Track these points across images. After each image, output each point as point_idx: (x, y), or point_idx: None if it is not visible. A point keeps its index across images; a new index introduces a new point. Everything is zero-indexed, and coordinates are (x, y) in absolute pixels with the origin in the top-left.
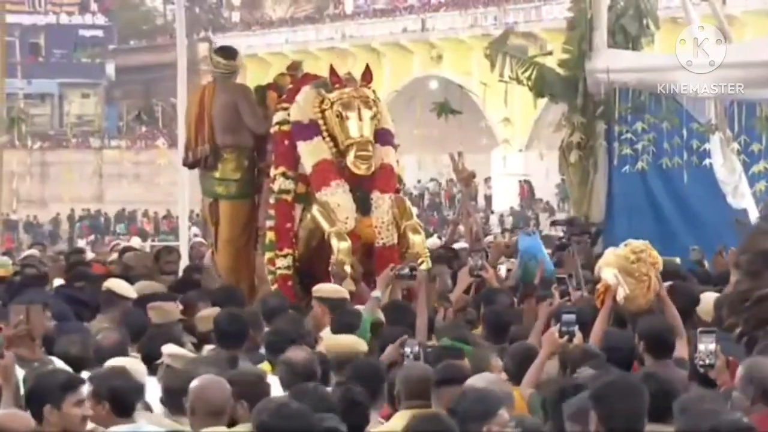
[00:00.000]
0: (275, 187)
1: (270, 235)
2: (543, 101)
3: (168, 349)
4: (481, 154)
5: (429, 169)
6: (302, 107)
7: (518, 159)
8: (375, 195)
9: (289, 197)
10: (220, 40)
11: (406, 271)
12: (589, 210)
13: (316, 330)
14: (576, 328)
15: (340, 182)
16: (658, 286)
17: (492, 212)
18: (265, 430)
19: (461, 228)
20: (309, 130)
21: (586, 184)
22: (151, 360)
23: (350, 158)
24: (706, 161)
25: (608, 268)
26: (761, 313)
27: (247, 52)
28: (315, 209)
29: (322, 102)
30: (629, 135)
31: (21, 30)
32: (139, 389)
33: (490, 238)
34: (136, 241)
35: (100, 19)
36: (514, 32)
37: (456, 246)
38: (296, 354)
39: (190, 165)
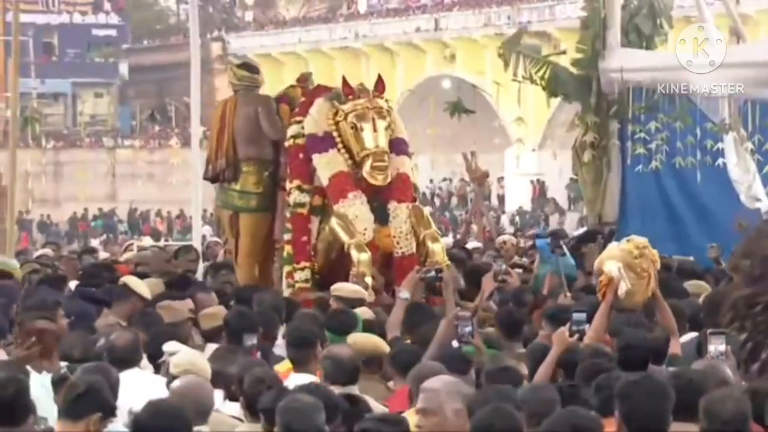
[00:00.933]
0: (291, 200)
1: (287, 249)
2: (556, 100)
3: (169, 347)
4: (494, 153)
5: (442, 168)
6: (316, 120)
7: (531, 158)
8: (392, 205)
9: (304, 210)
10: (234, 39)
11: (432, 273)
12: (603, 209)
13: None
14: (587, 326)
15: (357, 193)
16: (655, 285)
17: (504, 212)
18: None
19: (474, 227)
20: (324, 142)
21: (600, 183)
22: (155, 358)
23: (366, 169)
24: (720, 161)
25: (612, 261)
26: None
27: (260, 52)
28: (333, 221)
29: (336, 114)
30: (643, 134)
31: (34, 29)
32: None
33: (503, 237)
34: (147, 241)
35: (114, 19)
36: (527, 31)
37: (468, 245)
38: (342, 350)
39: (210, 179)
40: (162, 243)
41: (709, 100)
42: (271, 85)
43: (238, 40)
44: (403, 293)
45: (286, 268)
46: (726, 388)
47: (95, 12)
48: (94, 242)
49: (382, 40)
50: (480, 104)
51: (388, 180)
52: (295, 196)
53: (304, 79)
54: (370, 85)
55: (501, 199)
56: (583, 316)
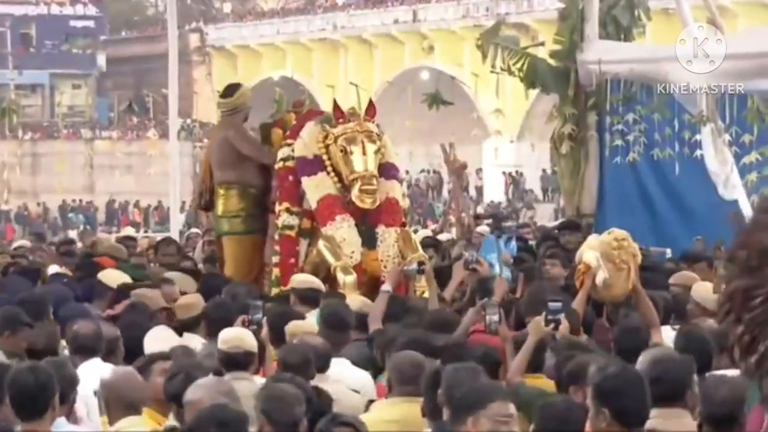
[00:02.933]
0: (279, 222)
1: (275, 272)
2: (534, 92)
3: (153, 335)
4: (472, 145)
5: (420, 160)
6: (306, 143)
7: (510, 150)
8: (380, 229)
9: (292, 233)
10: (212, 30)
11: (414, 266)
12: (581, 201)
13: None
14: (562, 315)
15: (345, 216)
16: (635, 278)
17: (482, 204)
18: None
19: (452, 218)
20: (313, 165)
21: (578, 175)
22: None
23: (355, 192)
24: (698, 152)
25: (591, 250)
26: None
27: (239, 43)
28: (321, 244)
29: (326, 137)
30: (621, 126)
31: (12, 20)
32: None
33: (480, 228)
34: (127, 231)
35: (91, 10)
36: (505, 23)
37: (444, 236)
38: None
39: (203, 208)
40: (141, 234)
41: (687, 91)
42: (249, 76)
43: (217, 31)
44: (385, 286)
45: (274, 290)
46: (722, 374)
47: (73, 3)
48: (72, 234)
49: (360, 32)
50: (458, 96)
51: (377, 204)
52: (284, 219)
53: (300, 104)
54: (352, 77)
55: (479, 190)
56: (558, 305)
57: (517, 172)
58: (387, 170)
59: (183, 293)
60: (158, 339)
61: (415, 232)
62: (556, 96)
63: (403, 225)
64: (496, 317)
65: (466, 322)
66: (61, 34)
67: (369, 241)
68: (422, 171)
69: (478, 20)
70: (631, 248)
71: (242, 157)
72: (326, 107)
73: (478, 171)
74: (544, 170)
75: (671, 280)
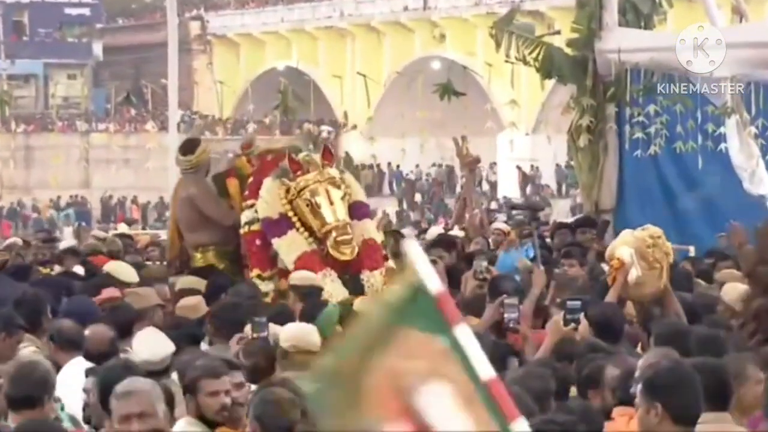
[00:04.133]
0: None
1: None
2: (551, 83)
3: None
4: (486, 137)
5: (432, 153)
6: (269, 201)
7: (525, 143)
8: (365, 275)
9: (269, 299)
10: (213, 18)
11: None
12: (599, 197)
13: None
14: (582, 315)
15: (326, 271)
16: (666, 278)
17: (496, 199)
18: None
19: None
20: (280, 225)
21: (596, 169)
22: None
23: (331, 244)
24: (722, 145)
25: (625, 246)
26: None
27: (241, 32)
28: None
29: (287, 192)
30: (641, 118)
31: (4, 7)
32: None
33: (496, 225)
34: (123, 228)
35: None
36: (520, 11)
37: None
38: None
39: (179, 272)
40: (139, 231)
41: (710, 82)
42: (252, 66)
43: (218, 18)
44: None
45: None
46: None
47: None
48: (66, 231)
49: (368, 20)
50: (471, 86)
51: (356, 252)
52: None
53: (248, 145)
54: (360, 67)
55: (493, 185)
56: (577, 304)
57: (532, 166)
58: (356, 210)
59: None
60: (145, 343)
61: (425, 230)
62: (573, 87)
63: (386, 259)
64: (514, 314)
65: (484, 321)
66: (56, 21)
67: (356, 289)
68: (433, 165)
69: (492, 8)
70: (665, 247)
71: (209, 218)
72: (333, 99)
73: (492, 165)
74: (557, 165)
75: (717, 277)
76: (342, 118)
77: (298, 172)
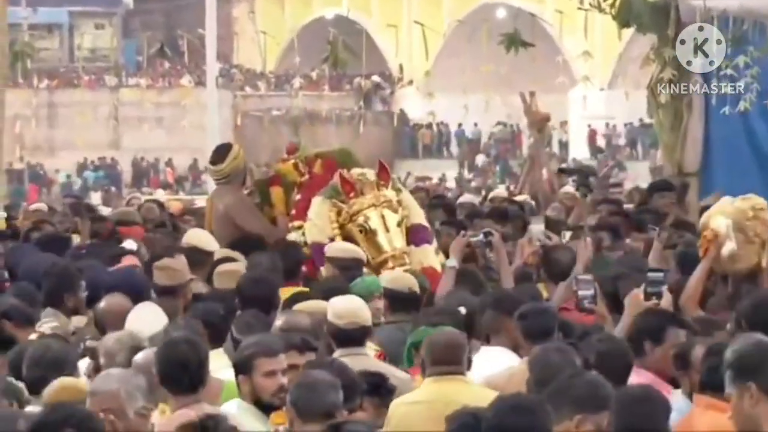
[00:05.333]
0: None
1: None
2: (629, 32)
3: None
4: (556, 93)
5: (497, 111)
6: (318, 225)
7: (600, 99)
8: None
9: None
10: None
11: (480, 237)
12: (683, 158)
13: None
14: (664, 288)
15: None
16: (766, 255)
17: (567, 161)
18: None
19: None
20: None
21: (679, 128)
22: None
23: None
24: None
25: (721, 216)
26: None
27: None
28: None
29: (338, 215)
30: (729, 71)
31: None
32: None
33: (566, 189)
34: (159, 195)
35: None
36: None
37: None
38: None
39: None
40: (174, 196)
41: None
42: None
43: None
44: (450, 261)
45: None
46: None
47: None
48: (94, 196)
49: None
50: (540, 37)
51: None
52: None
53: (293, 149)
54: (417, 16)
55: (564, 146)
56: (660, 275)
57: (607, 124)
58: (415, 235)
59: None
60: (141, 318)
61: (486, 198)
62: (653, 36)
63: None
64: (590, 292)
65: (556, 301)
66: None
67: None
68: (498, 123)
69: None
70: None
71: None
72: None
73: (563, 124)
74: (632, 123)
75: None
76: (397, 72)
77: (351, 194)
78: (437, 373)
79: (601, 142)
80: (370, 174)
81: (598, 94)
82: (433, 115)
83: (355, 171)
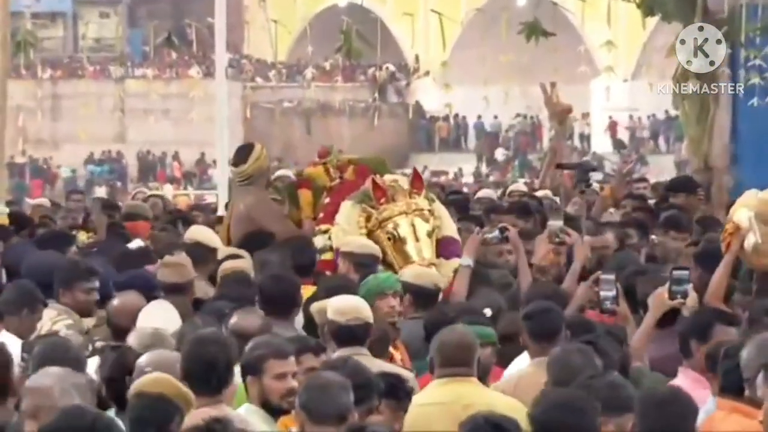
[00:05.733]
0: None
1: None
2: (653, 21)
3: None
4: (578, 84)
5: (516, 102)
6: (345, 230)
7: (623, 90)
8: None
9: None
10: None
11: (496, 233)
12: (710, 152)
13: None
14: (690, 286)
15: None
16: None
17: (590, 155)
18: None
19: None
20: None
21: (706, 120)
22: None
23: None
24: None
25: (744, 209)
26: None
27: None
28: None
29: (367, 220)
30: (758, 61)
31: None
32: None
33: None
34: (168, 190)
35: None
36: None
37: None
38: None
39: None
40: (182, 191)
41: None
42: (311, 3)
43: None
44: (465, 260)
45: None
46: None
47: None
48: (99, 191)
49: None
50: (562, 26)
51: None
52: None
53: (325, 153)
54: (434, 4)
55: (586, 139)
56: (685, 273)
57: (631, 116)
58: (445, 248)
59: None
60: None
61: (504, 193)
62: (679, 25)
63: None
64: (612, 293)
65: (576, 300)
66: None
67: None
68: (518, 115)
69: None
70: None
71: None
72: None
73: (585, 116)
74: (653, 116)
75: None
76: (413, 62)
77: (382, 200)
78: (448, 375)
79: (623, 134)
80: (404, 181)
81: (621, 85)
82: (450, 107)
83: (388, 177)
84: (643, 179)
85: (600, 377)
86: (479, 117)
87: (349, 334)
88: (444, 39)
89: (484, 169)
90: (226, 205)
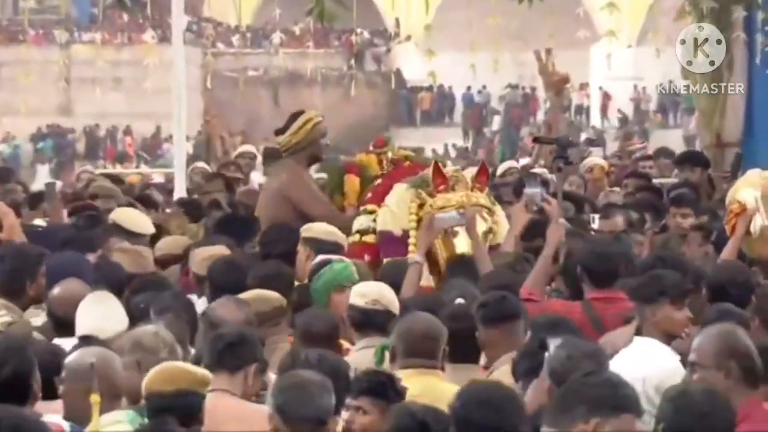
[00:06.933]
0: None
1: None
2: None
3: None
4: (576, 50)
5: (507, 70)
6: (394, 213)
7: (627, 57)
8: None
9: None
10: None
11: (453, 213)
12: (722, 125)
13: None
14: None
15: None
16: None
17: (593, 128)
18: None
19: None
20: (402, 244)
21: (719, 90)
22: None
23: None
24: None
25: (749, 188)
26: None
27: None
28: None
29: (420, 207)
30: None
31: None
32: None
33: (590, 160)
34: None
35: None
36: None
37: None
38: None
39: None
40: (133, 169)
41: None
42: None
43: None
44: (415, 257)
45: None
46: None
47: None
48: (42, 169)
49: None
50: None
51: None
52: None
53: (382, 143)
54: None
55: (585, 111)
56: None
57: (635, 86)
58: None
59: None
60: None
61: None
62: None
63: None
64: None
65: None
66: None
67: None
68: (509, 86)
69: None
70: None
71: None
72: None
73: (584, 86)
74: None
75: None
76: (393, 26)
77: (441, 187)
78: (412, 366)
79: (627, 107)
80: (468, 173)
81: (624, 52)
82: (434, 76)
83: (450, 167)
84: (648, 157)
85: (595, 375)
86: (468, 88)
87: (370, 318)
88: (427, 0)
89: (469, 145)
90: (195, 190)
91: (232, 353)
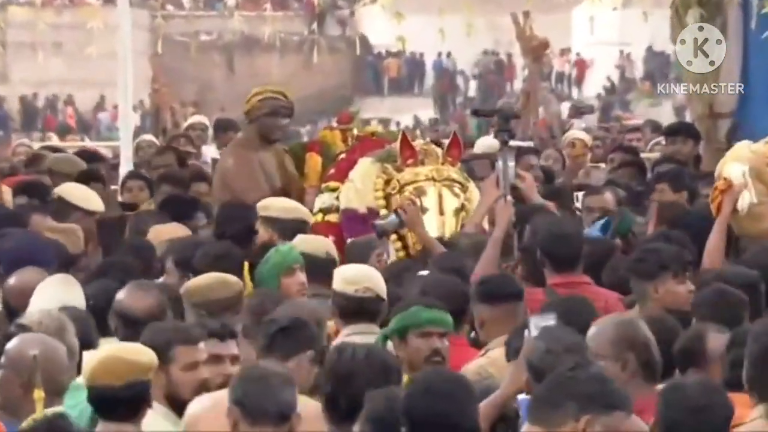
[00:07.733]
0: None
1: None
2: None
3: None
4: (557, 13)
5: (482, 36)
6: (359, 189)
7: (612, 20)
8: None
9: None
10: None
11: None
12: (716, 93)
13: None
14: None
15: None
16: None
17: (572, 99)
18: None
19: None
20: (366, 223)
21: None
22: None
23: None
24: None
25: (737, 163)
26: None
27: None
28: None
29: (387, 183)
30: None
31: None
32: None
33: (572, 134)
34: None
35: None
36: None
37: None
38: None
39: None
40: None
41: None
42: None
43: None
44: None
45: None
46: None
47: None
48: None
49: None
50: None
51: None
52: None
53: (347, 118)
54: None
55: (566, 79)
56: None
57: (621, 52)
58: None
59: None
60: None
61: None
62: None
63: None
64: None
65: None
66: None
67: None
68: (484, 52)
69: None
70: None
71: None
72: None
73: (565, 52)
74: (647, 51)
75: None
76: None
77: (410, 161)
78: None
79: (613, 73)
80: (437, 148)
81: (609, 15)
82: (403, 41)
83: (420, 141)
84: (635, 128)
85: (583, 369)
86: (439, 54)
87: (360, 306)
88: None
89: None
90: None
91: (285, 339)
